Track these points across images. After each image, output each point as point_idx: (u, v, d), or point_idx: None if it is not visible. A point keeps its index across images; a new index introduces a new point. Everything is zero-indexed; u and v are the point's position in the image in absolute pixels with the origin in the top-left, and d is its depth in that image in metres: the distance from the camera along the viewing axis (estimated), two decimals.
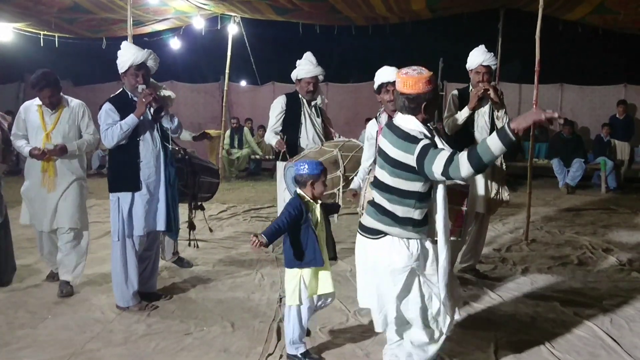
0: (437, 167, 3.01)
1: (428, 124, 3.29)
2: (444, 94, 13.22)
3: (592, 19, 9.73)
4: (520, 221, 8.05)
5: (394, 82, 3.74)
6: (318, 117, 5.87)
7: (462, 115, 5.23)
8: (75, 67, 16.03)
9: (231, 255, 6.36)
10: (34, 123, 5.05)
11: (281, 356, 3.84)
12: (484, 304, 4.85)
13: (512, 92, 13.67)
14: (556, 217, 8.90)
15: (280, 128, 5.83)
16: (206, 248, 5.40)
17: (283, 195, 5.55)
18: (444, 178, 3.05)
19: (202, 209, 5.27)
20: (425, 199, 3.21)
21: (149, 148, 4.63)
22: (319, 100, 5.86)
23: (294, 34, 11.45)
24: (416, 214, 3.22)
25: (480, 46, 5.33)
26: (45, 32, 11.54)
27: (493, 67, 5.32)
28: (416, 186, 3.17)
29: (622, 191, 11.74)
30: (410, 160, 3.11)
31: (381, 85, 4.68)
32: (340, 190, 5.14)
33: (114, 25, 10.99)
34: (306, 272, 3.72)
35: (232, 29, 12.06)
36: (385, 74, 4.64)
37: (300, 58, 5.82)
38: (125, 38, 7.79)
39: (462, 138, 5.18)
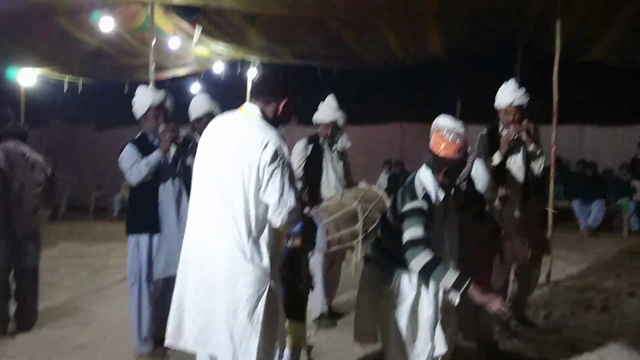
0: (405, 236, 3.13)
1: (447, 187, 3.34)
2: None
3: (612, 60, 9.75)
4: (542, 264, 7.88)
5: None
6: (339, 161, 5.68)
7: (495, 161, 4.97)
8: (98, 111, 16.27)
9: None
10: None
11: None
12: (507, 350, 4.74)
13: None
14: (578, 260, 8.70)
15: (302, 173, 5.59)
16: None
17: None
18: (402, 250, 3.15)
19: None
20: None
21: (168, 191, 4.60)
22: (339, 145, 5.69)
23: (312, 76, 11.55)
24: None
25: (509, 82, 5.03)
26: (70, 77, 11.80)
27: (525, 106, 4.99)
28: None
29: None
30: (400, 208, 3.26)
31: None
32: (359, 244, 5.05)
33: (136, 71, 11.20)
34: None
35: (252, 73, 12.22)
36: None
37: (318, 100, 5.69)
38: (147, 83, 7.93)
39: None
